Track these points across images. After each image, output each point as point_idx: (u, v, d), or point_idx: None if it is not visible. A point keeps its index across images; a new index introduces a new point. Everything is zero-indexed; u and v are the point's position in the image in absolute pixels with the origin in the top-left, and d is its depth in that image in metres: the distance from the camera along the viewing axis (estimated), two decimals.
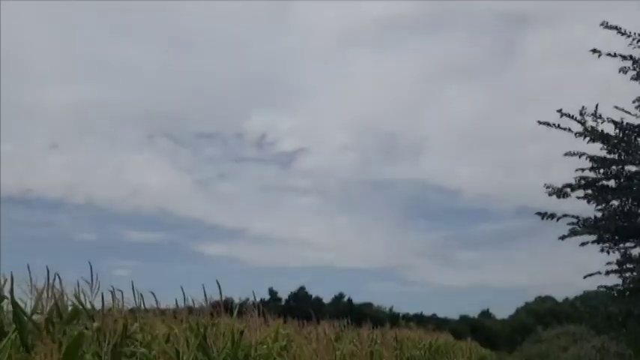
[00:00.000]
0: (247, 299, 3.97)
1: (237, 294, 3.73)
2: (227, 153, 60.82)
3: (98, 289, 3.29)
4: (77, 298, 3.29)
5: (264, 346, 3.78)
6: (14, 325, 2.76)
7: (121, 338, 3.15)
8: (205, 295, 3.58)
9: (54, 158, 49.64)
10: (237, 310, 3.64)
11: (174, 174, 51.68)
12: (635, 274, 7.07)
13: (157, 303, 3.65)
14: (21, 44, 40.35)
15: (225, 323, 3.47)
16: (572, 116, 7.29)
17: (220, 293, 3.53)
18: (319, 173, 59.56)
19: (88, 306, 3.30)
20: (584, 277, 7.46)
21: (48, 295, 3.05)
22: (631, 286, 7.18)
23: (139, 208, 53.01)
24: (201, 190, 53.68)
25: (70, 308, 3.18)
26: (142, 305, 3.63)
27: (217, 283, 3.46)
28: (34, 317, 2.97)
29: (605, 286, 7.34)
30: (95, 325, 2.97)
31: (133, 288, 3.43)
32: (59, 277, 3.14)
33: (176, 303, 3.62)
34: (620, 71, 6.97)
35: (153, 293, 3.49)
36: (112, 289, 3.36)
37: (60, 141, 54.55)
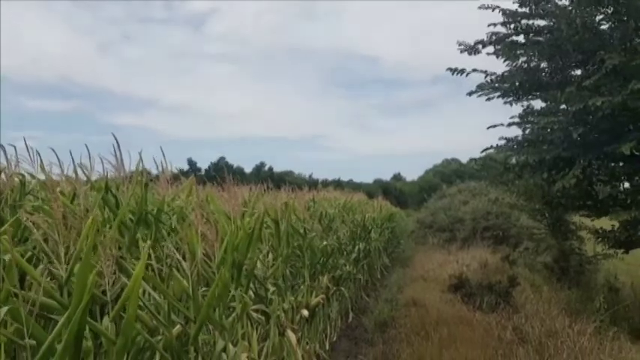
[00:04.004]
0: (163, 170, 3.72)
1: (153, 166, 3.44)
2: (131, 13, 55.61)
3: None
4: None
5: (177, 201, 3.67)
6: None
7: (20, 194, 2.94)
8: (120, 160, 3.28)
9: None
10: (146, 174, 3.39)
11: (73, 37, 47.02)
12: (535, 125, 7.52)
13: (61, 169, 3.31)
14: None
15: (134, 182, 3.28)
16: None
17: (120, 154, 3.25)
18: (235, 38, 56.57)
19: None
20: (488, 128, 7.86)
21: None
22: (530, 137, 7.68)
23: (39, 76, 48.59)
24: (105, 56, 49.70)
25: None
26: (41, 166, 3.31)
27: (115, 136, 3.14)
28: None
29: (505, 138, 7.79)
30: None
31: (28, 147, 3.07)
32: None
33: (76, 168, 3.28)
34: None
35: (54, 151, 3.13)
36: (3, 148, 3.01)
37: None
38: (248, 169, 40.15)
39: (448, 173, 42.31)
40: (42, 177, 3.10)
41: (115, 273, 2.16)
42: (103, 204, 2.99)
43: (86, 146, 3.17)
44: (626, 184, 7.45)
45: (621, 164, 7.26)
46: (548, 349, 5.38)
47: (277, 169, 40.18)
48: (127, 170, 3.22)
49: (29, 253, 2.39)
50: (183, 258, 2.67)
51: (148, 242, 2.70)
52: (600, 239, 8.40)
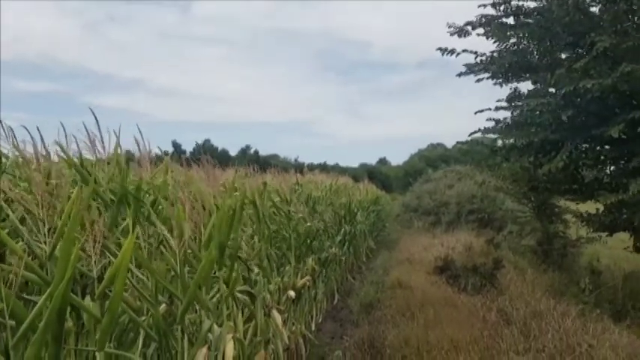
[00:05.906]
0: (149, 152, 3.61)
1: (134, 147, 3.33)
2: None
3: None
4: None
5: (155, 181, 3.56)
6: None
7: None
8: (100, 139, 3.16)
9: None
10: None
11: (57, 16, 45.94)
12: (524, 107, 7.50)
13: (35, 148, 3.18)
14: None
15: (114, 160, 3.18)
16: None
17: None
18: (224, 20, 55.75)
19: None
20: (475, 113, 7.84)
21: None
22: (518, 119, 7.67)
23: (22, 55, 47.42)
24: (90, 36, 48.66)
25: None
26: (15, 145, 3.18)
27: (94, 114, 3.04)
28: None
29: (493, 119, 7.76)
30: None
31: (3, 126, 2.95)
32: None
33: (58, 146, 3.16)
34: None
35: (27, 129, 3.01)
36: None
37: None
38: (234, 153, 39.94)
39: (433, 158, 42.43)
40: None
41: (99, 251, 2.09)
42: (79, 181, 2.89)
43: (63, 124, 3.06)
44: (612, 168, 7.49)
45: (607, 147, 7.29)
46: (533, 330, 5.42)
47: (263, 152, 40.08)
48: (108, 150, 3.12)
49: (7, 230, 2.30)
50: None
51: (133, 220, 2.62)
52: (585, 223, 8.46)
